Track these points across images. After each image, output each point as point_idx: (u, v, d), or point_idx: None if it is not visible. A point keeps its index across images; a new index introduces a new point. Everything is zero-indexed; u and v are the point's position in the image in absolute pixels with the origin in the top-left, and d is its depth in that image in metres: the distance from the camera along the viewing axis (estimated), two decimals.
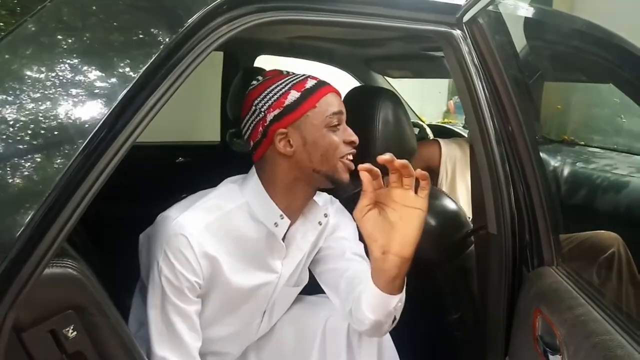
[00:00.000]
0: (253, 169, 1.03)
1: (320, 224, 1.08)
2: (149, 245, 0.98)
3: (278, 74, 1.02)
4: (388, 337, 1.12)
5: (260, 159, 1.01)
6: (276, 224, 1.00)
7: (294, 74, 1.02)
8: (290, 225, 1.04)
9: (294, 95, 0.97)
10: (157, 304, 0.94)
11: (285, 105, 0.97)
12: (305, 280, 1.15)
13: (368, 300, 0.93)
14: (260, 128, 0.98)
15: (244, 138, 1.04)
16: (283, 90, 0.98)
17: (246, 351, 1.17)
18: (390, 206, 0.84)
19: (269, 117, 0.97)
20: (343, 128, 1.01)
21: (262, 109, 0.98)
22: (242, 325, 1.08)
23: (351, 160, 1.01)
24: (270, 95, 0.98)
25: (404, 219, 0.83)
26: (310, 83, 0.99)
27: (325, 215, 1.08)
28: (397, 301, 0.91)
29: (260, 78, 1.03)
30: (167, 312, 0.94)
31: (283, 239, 1.04)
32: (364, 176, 0.82)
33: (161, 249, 0.92)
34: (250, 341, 1.14)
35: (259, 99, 0.99)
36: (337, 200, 1.18)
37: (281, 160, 0.99)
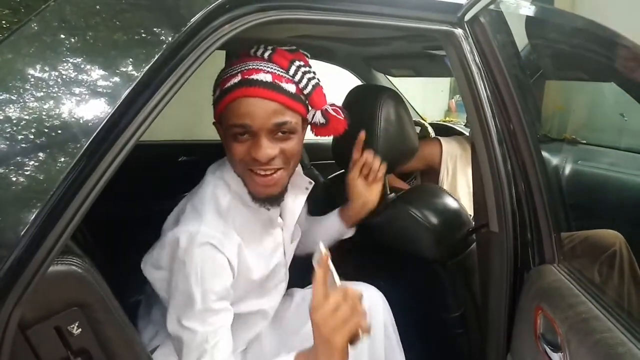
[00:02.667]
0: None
1: (307, 189, 1.14)
2: (171, 265, 0.93)
3: (243, 56, 0.95)
4: (395, 332, 1.16)
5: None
6: (268, 208, 1.02)
7: (247, 61, 0.92)
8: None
9: (218, 91, 0.94)
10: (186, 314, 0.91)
11: (215, 96, 0.96)
12: (298, 235, 1.22)
13: (328, 231, 1.28)
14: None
15: None
16: (221, 78, 0.94)
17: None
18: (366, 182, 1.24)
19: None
20: (253, 141, 0.90)
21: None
22: (270, 297, 1.12)
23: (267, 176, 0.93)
24: (219, 77, 0.95)
25: (371, 188, 1.24)
26: (233, 81, 0.90)
27: (310, 183, 1.14)
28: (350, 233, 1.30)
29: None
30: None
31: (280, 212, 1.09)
32: (357, 152, 1.23)
33: (190, 262, 0.89)
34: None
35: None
36: None
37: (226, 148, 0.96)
